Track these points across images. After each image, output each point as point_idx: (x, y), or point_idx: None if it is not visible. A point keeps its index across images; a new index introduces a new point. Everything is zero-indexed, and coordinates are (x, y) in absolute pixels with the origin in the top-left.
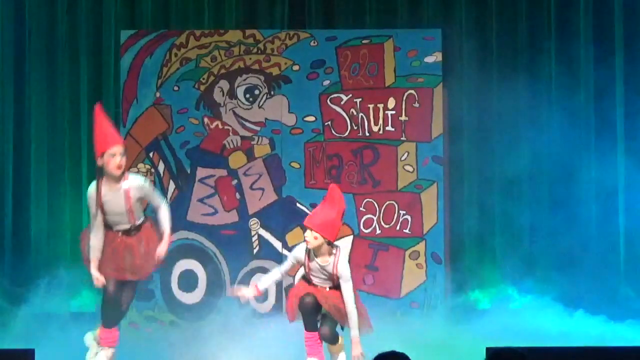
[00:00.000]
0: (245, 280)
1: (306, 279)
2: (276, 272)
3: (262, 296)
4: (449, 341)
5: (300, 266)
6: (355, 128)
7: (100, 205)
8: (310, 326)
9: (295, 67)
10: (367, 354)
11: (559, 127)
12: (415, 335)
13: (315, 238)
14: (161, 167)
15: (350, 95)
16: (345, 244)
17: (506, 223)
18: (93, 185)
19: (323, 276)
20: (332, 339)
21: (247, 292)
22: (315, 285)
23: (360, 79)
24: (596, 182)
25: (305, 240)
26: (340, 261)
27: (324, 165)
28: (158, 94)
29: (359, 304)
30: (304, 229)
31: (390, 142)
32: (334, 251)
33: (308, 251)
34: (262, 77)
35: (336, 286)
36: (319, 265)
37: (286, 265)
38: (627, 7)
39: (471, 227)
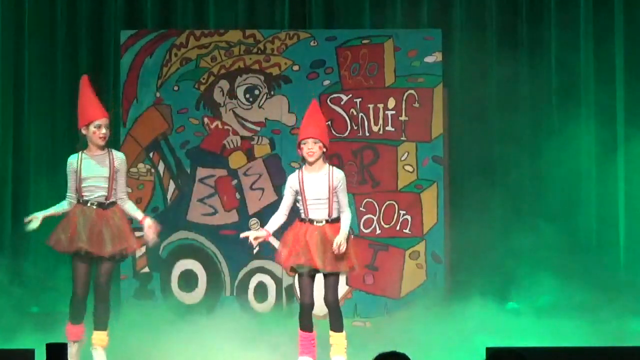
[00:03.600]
0: (246, 280)
1: (301, 219)
2: (280, 213)
3: (263, 295)
4: (449, 341)
5: (297, 195)
6: (355, 128)
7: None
8: (305, 325)
9: (295, 67)
10: (368, 354)
11: (560, 126)
12: (415, 335)
13: (320, 148)
14: (161, 167)
15: (350, 95)
16: None
17: (506, 223)
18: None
19: (320, 195)
20: (336, 310)
21: (258, 234)
22: (311, 222)
23: (360, 79)
24: (597, 180)
25: (308, 154)
26: (334, 167)
27: None
28: (158, 94)
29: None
30: (301, 143)
31: (390, 142)
32: (325, 160)
33: (300, 175)
34: (262, 77)
35: (333, 219)
36: (316, 180)
37: (286, 199)
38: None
39: (471, 227)
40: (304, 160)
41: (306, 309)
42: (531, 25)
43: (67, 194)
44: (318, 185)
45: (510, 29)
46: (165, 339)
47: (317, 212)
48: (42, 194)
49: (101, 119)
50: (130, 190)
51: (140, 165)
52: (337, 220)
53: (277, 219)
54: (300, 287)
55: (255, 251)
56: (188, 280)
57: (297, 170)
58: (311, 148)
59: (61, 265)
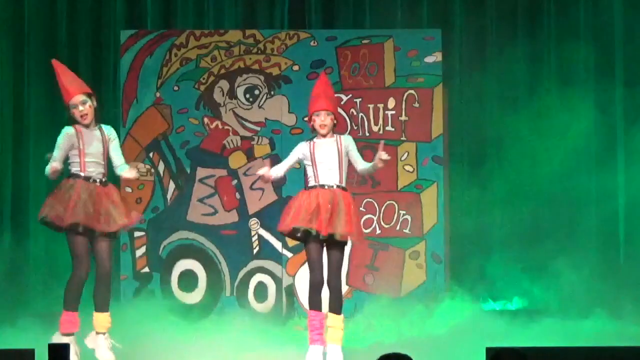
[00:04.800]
0: (246, 280)
1: (310, 187)
2: (280, 168)
3: (262, 295)
4: (449, 341)
5: (304, 161)
6: (355, 128)
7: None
8: (314, 303)
9: (295, 67)
10: (368, 354)
11: (560, 126)
12: (415, 335)
13: (332, 120)
14: (161, 167)
15: (350, 95)
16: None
17: (506, 222)
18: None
19: (330, 159)
20: (337, 292)
21: (262, 171)
22: (322, 187)
23: (360, 79)
24: (597, 180)
25: (321, 127)
26: (340, 135)
27: None
28: (158, 94)
29: None
30: (313, 115)
31: (390, 142)
32: (334, 132)
33: (311, 144)
34: (262, 77)
35: (343, 186)
36: (326, 146)
37: (290, 159)
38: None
39: (471, 227)
40: (313, 132)
41: (315, 286)
42: (531, 25)
43: (56, 162)
44: (328, 151)
45: (510, 29)
46: (165, 339)
47: (328, 177)
48: (41, 197)
49: (72, 98)
50: (130, 191)
51: (140, 165)
52: (346, 189)
53: (277, 170)
54: (309, 263)
55: (255, 251)
56: (188, 280)
57: (307, 141)
58: (324, 120)
59: (60, 265)
